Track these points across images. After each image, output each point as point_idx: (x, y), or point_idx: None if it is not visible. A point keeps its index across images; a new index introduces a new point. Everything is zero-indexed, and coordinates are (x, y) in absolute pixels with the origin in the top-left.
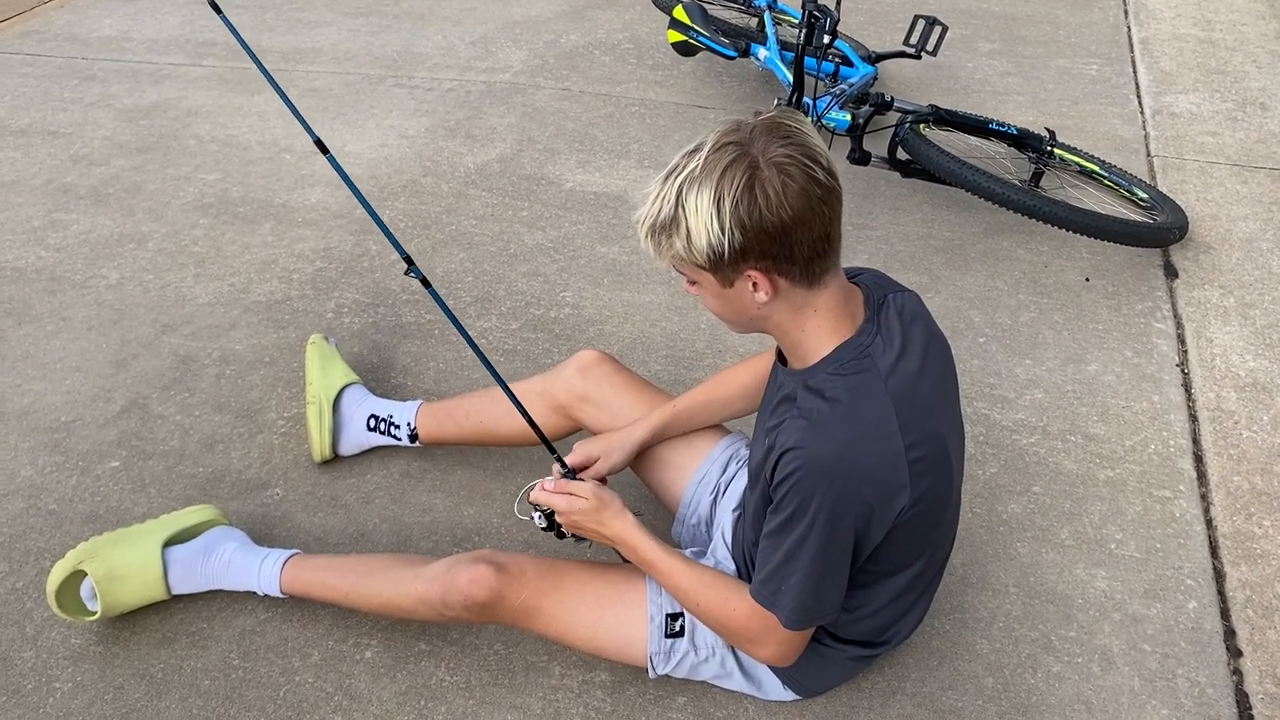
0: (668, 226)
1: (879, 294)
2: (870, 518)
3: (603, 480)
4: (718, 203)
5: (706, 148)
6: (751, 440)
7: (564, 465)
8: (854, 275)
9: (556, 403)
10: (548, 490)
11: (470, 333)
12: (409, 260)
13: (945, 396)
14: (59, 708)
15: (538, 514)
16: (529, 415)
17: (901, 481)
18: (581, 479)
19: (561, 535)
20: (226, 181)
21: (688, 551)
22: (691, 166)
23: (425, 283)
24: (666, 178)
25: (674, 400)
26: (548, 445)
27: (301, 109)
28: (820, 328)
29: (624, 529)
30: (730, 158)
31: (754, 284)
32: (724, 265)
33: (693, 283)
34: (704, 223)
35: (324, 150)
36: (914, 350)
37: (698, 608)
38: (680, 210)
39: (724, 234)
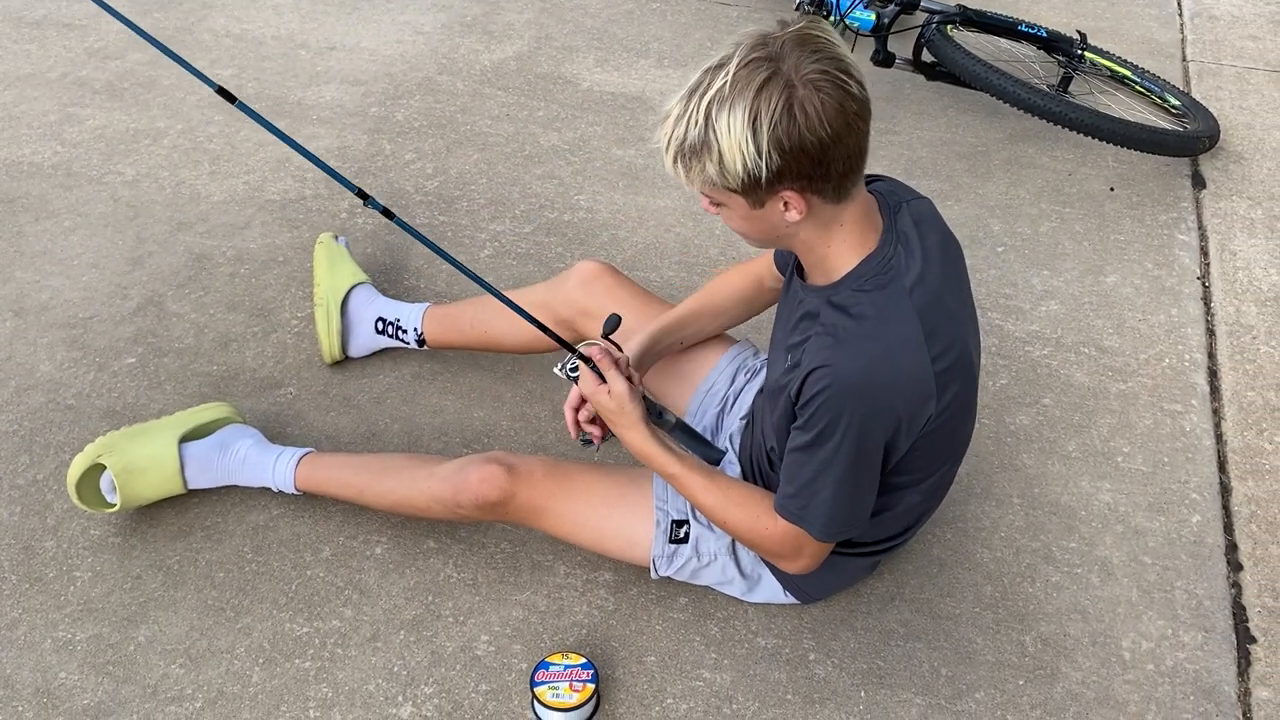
0: (698, 150)
1: (893, 201)
2: (898, 430)
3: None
4: (753, 123)
5: (733, 64)
6: (769, 355)
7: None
8: (868, 183)
9: (558, 316)
10: (587, 370)
11: (483, 235)
12: (363, 195)
13: (965, 300)
14: (79, 595)
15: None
16: (546, 328)
17: (929, 392)
18: (621, 377)
19: (587, 441)
20: (241, 77)
21: None
22: (720, 84)
23: (388, 214)
24: (690, 96)
25: (665, 313)
26: (568, 348)
27: (316, 3)
28: (846, 242)
29: (636, 440)
30: (763, 75)
31: (785, 204)
32: (758, 188)
33: (717, 204)
34: (738, 144)
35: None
36: (934, 257)
37: (725, 524)
38: (711, 132)
39: (761, 156)
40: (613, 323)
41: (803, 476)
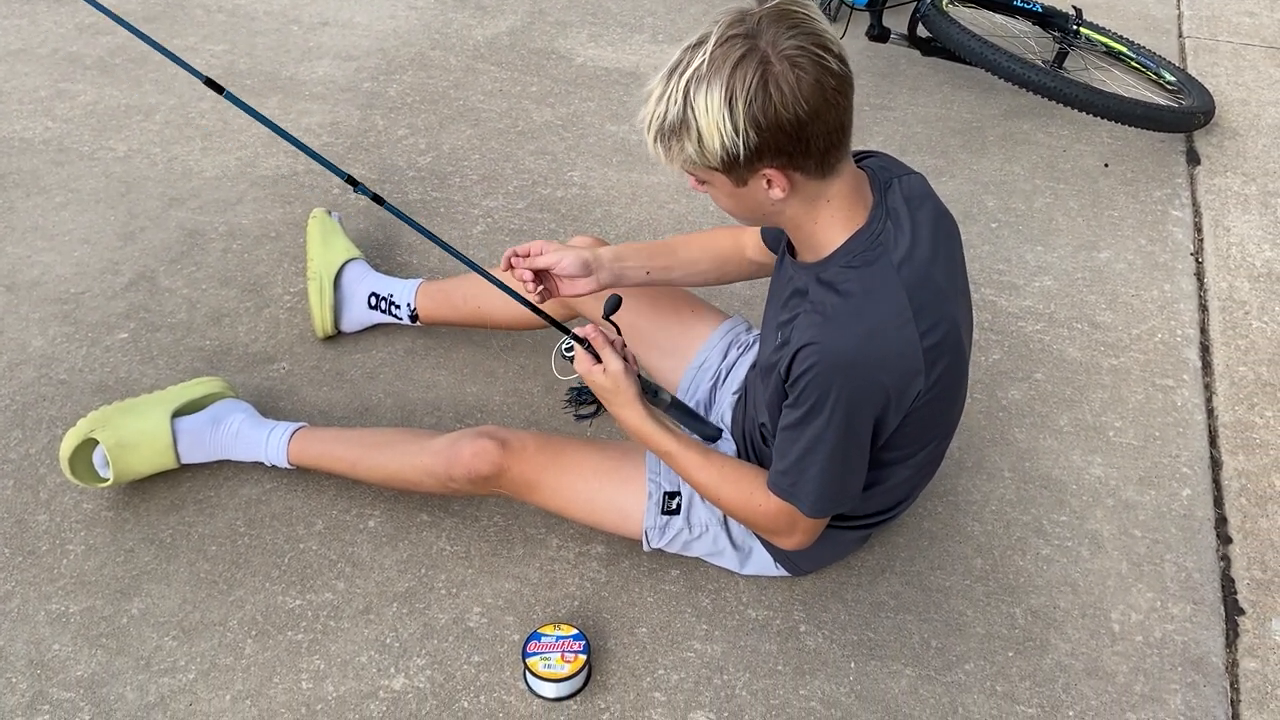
0: (677, 129)
1: (884, 177)
2: (887, 406)
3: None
4: (729, 102)
5: (711, 41)
6: (761, 332)
7: (581, 339)
8: (859, 159)
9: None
10: (582, 350)
11: (475, 211)
12: (351, 180)
13: (955, 276)
14: (72, 569)
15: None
16: (539, 308)
17: (917, 368)
18: (617, 356)
19: (580, 415)
20: (234, 53)
21: None
22: (697, 63)
23: (377, 199)
24: (670, 75)
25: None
26: (562, 329)
27: None
28: (833, 218)
29: (632, 419)
30: (739, 52)
31: (768, 181)
32: (738, 166)
33: (703, 182)
34: (716, 123)
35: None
36: (924, 234)
37: (719, 501)
38: (689, 111)
39: (738, 134)
40: (613, 303)
41: (793, 453)
